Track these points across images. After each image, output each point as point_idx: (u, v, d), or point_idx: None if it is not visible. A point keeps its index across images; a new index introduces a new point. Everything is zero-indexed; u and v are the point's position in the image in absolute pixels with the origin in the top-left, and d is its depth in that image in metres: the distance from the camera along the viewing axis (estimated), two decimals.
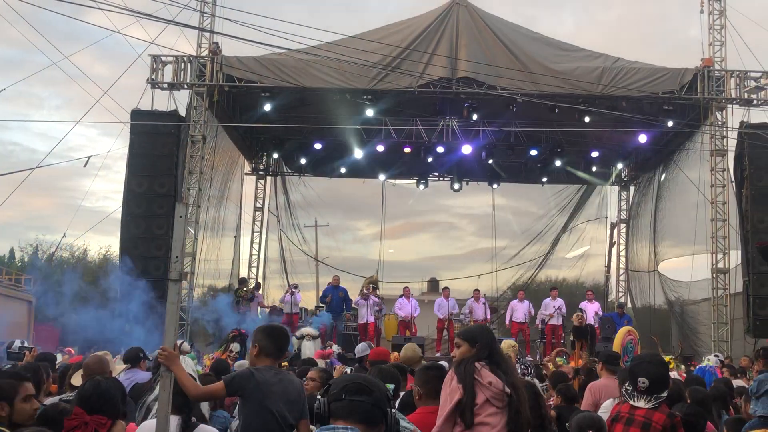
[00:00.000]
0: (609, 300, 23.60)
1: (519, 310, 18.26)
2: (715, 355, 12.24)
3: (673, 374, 6.36)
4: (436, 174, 23.74)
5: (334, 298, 17.82)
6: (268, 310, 19.31)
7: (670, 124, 18.25)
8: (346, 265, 23.75)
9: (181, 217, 4.11)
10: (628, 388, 4.61)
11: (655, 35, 59.99)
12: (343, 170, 23.10)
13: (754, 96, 17.42)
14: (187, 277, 16.09)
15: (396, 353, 9.04)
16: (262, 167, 23.88)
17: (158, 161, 16.78)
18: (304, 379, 6.01)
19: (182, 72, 17.47)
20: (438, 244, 36.46)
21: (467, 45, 17.31)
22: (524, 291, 19.87)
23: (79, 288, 13.64)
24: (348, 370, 8.81)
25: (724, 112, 17.64)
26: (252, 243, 23.61)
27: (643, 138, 19.50)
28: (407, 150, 20.94)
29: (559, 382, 6.99)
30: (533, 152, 21.35)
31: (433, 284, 28.95)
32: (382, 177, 23.42)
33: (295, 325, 16.05)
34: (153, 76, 17.24)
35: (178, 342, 5.22)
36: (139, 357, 7.26)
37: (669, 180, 20.31)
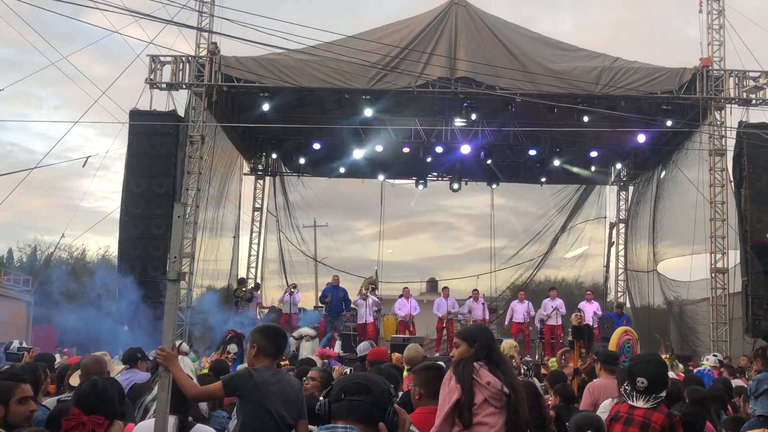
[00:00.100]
0: (608, 300, 23.61)
1: (518, 311, 18.27)
2: (714, 355, 12.25)
3: (670, 374, 6.34)
4: (435, 174, 23.74)
5: (334, 298, 17.82)
6: (266, 310, 19.30)
7: (668, 123, 18.26)
8: (345, 266, 23.77)
9: (179, 217, 4.10)
10: (627, 387, 4.60)
11: (653, 35, 60.07)
12: (342, 170, 23.10)
13: (752, 95, 17.44)
14: (185, 277, 16.09)
15: (398, 354, 9.02)
16: (260, 167, 23.88)
17: (157, 161, 16.78)
18: (304, 378, 6.01)
19: (181, 72, 17.46)
20: (437, 244, 36.59)
21: (466, 45, 17.31)
22: (524, 291, 19.89)
23: (77, 288, 13.63)
24: (348, 370, 8.81)
25: (722, 111, 17.66)
26: (251, 243, 23.61)
27: (641, 138, 19.52)
28: (406, 150, 20.95)
29: (557, 382, 6.99)
30: (532, 152, 21.36)
31: (432, 284, 28.99)
32: (381, 177, 23.43)
33: (294, 325, 16.05)
34: (151, 76, 17.24)
35: (177, 343, 5.21)
36: (137, 357, 7.24)
37: (668, 180, 20.32)
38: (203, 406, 5.00)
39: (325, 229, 25.87)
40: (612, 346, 7.84)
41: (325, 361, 10.83)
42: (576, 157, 22.20)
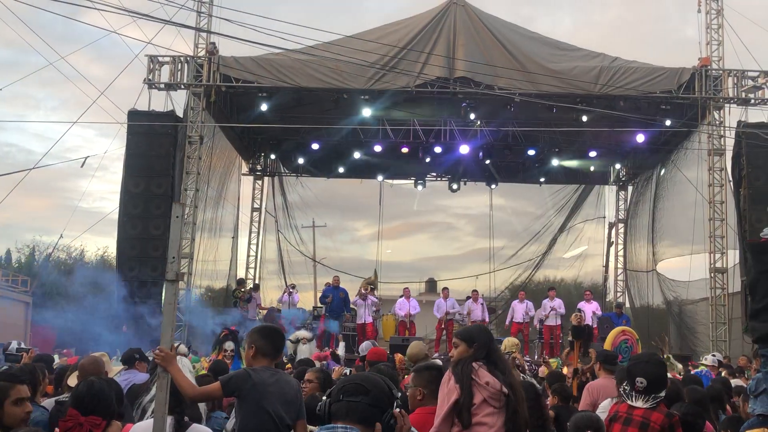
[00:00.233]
0: (607, 300, 23.61)
1: (518, 311, 18.29)
2: (713, 355, 12.25)
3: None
4: (434, 174, 23.74)
5: (335, 299, 17.80)
6: (265, 311, 19.27)
7: (667, 123, 18.26)
8: (344, 266, 23.74)
9: (177, 217, 4.09)
10: (626, 387, 4.60)
11: (652, 35, 60.07)
12: (340, 170, 23.11)
13: (751, 95, 17.46)
14: (184, 278, 16.07)
15: (400, 355, 9.00)
16: (259, 168, 23.88)
17: (155, 162, 16.78)
18: (302, 381, 5.99)
19: (179, 72, 17.46)
20: (436, 244, 36.58)
21: (465, 45, 17.31)
22: (524, 291, 19.90)
23: (75, 289, 13.61)
24: (347, 371, 8.80)
25: (721, 111, 17.68)
26: (249, 244, 23.61)
27: (640, 137, 19.52)
28: (405, 150, 20.95)
29: (555, 382, 6.99)
30: (531, 152, 21.37)
31: (431, 285, 28.97)
32: (379, 177, 23.43)
33: (294, 326, 16.03)
34: (150, 77, 17.23)
35: (175, 343, 5.20)
36: (136, 358, 7.23)
37: (667, 179, 20.33)
38: (202, 406, 4.99)
39: (324, 230, 25.85)
40: (606, 345, 7.82)
41: (324, 362, 10.83)
42: (575, 157, 22.20)
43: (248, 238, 23.59)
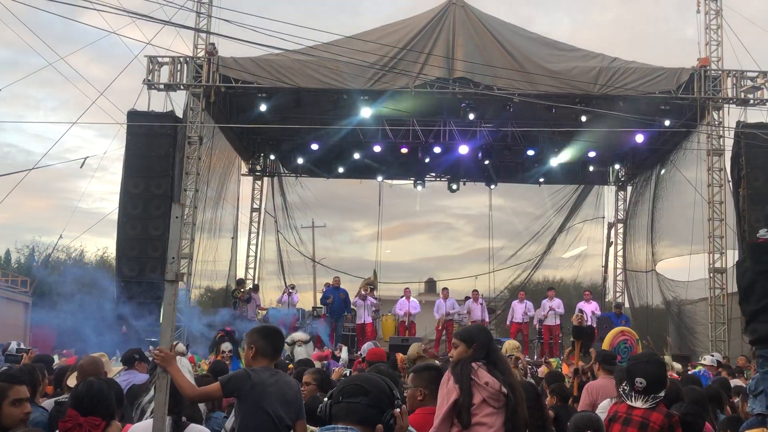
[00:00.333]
0: (606, 300, 23.61)
1: (518, 311, 18.31)
2: (712, 355, 12.25)
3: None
4: (433, 174, 23.73)
5: (336, 300, 17.81)
6: (264, 312, 19.26)
7: (667, 123, 18.27)
8: (344, 266, 23.71)
9: (177, 218, 4.09)
10: (626, 388, 4.60)
11: (651, 35, 60.08)
12: (340, 171, 23.08)
13: (750, 95, 17.45)
14: (183, 278, 16.08)
15: (401, 355, 9.00)
16: (258, 168, 23.87)
17: (155, 162, 16.77)
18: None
19: (179, 73, 17.45)
20: (435, 244, 36.44)
21: (464, 45, 17.31)
22: (523, 291, 19.91)
23: (75, 290, 13.60)
24: (347, 371, 8.80)
25: (720, 111, 17.67)
26: (249, 244, 23.61)
27: (640, 138, 19.52)
28: (404, 150, 20.95)
29: (554, 382, 7.00)
30: (530, 152, 21.36)
31: (431, 285, 28.93)
32: (379, 178, 23.43)
33: (293, 326, 16.03)
34: (149, 77, 17.22)
35: (174, 344, 5.20)
36: (135, 358, 7.23)
37: (666, 180, 20.33)
38: (202, 407, 4.99)
39: (324, 230, 25.81)
40: (604, 346, 7.81)
41: (325, 362, 10.83)
42: (574, 157, 22.19)
43: (248, 239, 23.60)
